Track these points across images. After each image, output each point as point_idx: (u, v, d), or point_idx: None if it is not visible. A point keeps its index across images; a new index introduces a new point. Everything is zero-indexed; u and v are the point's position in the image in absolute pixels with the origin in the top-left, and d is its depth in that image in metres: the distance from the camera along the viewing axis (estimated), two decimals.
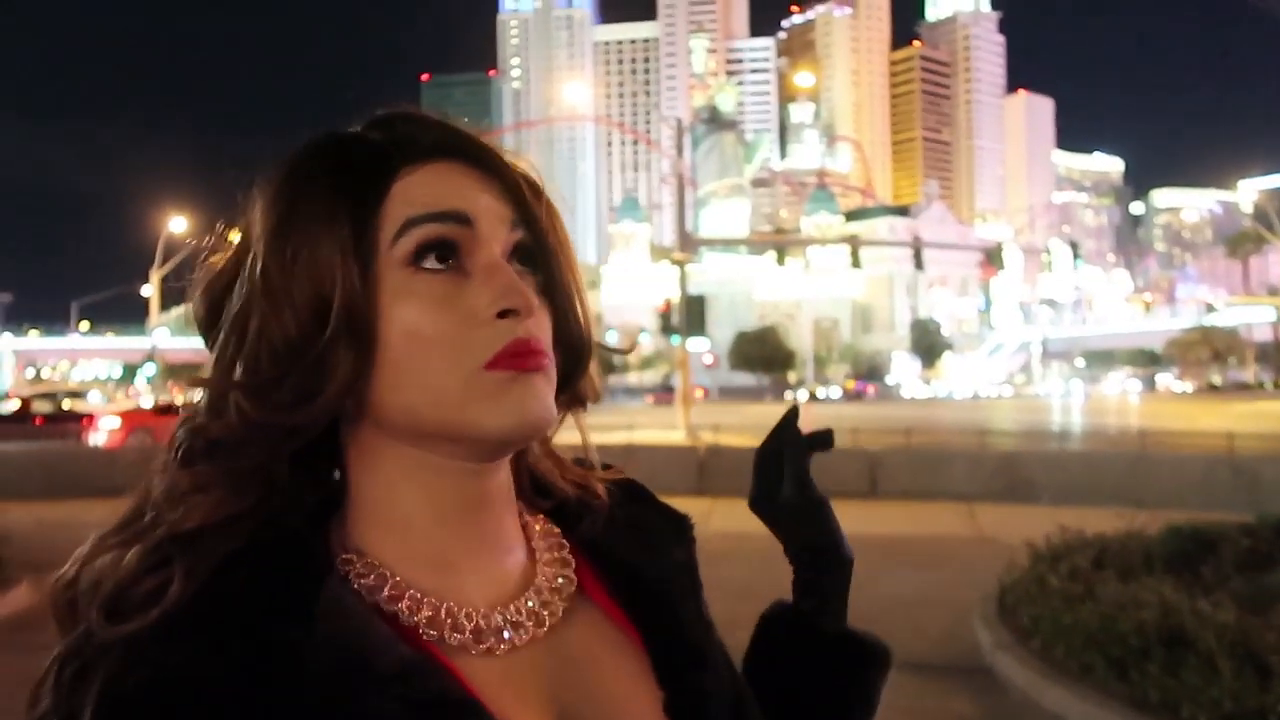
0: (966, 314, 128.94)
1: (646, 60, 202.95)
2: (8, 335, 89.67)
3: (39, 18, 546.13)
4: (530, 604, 0.61)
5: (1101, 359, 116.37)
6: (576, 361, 0.63)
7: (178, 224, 40.27)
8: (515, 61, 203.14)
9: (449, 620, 0.58)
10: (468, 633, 0.58)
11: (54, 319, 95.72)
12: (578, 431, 0.70)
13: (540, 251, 0.61)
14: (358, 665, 0.52)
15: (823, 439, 0.82)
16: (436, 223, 0.57)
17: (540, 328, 0.59)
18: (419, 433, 0.58)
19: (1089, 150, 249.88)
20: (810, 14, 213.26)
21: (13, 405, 26.74)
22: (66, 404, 27.41)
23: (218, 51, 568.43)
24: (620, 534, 0.68)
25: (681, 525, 0.74)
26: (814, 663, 0.77)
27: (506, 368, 0.56)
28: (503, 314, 0.57)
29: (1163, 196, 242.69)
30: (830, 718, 0.78)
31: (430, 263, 0.57)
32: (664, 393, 72.71)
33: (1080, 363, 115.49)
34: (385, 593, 0.58)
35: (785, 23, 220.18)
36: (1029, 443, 21.75)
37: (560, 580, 0.64)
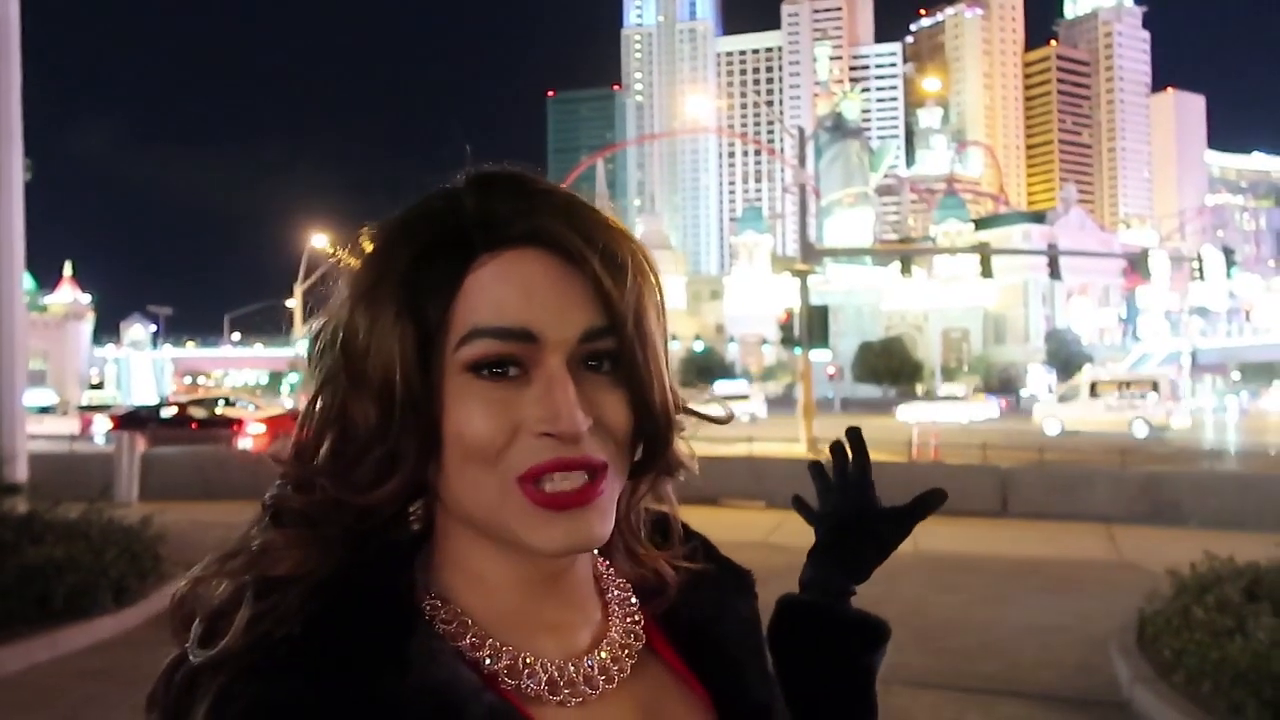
0: (1108, 324, 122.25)
1: (770, 70, 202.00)
2: (168, 346, 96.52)
3: (197, 51, 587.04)
4: (602, 657, 0.63)
5: (1261, 372, 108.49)
6: (657, 441, 0.63)
7: (319, 240, 42.41)
8: (638, 75, 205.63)
9: (526, 670, 0.60)
10: (543, 684, 0.60)
11: (209, 331, 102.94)
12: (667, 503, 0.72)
13: (616, 351, 0.59)
14: (450, 712, 0.55)
15: (934, 498, 0.88)
16: (498, 340, 0.57)
17: (598, 435, 0.59)
18: (476, 527, 0.61)
19: (1246, 150, 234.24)
20: (939, 16, 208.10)
21: (171, 411, 28.70)
22: (219, 409, 29.23)
23: (354, 77, 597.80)
24: (687, 593, 0.70)
25: (744, 580, 0.76)
26: (822, 643, 0.84)
27: (546, 505, 0.57)
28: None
29: None
30: (839, 687, 0.85)
31: (488, 374, 0.58)
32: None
33: (1236, 376, 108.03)
34: (467, 640, 0.60)
35: (913, 26, 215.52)
36: (1176, 462, 20.47)
37: (631, 637, 0.66)
